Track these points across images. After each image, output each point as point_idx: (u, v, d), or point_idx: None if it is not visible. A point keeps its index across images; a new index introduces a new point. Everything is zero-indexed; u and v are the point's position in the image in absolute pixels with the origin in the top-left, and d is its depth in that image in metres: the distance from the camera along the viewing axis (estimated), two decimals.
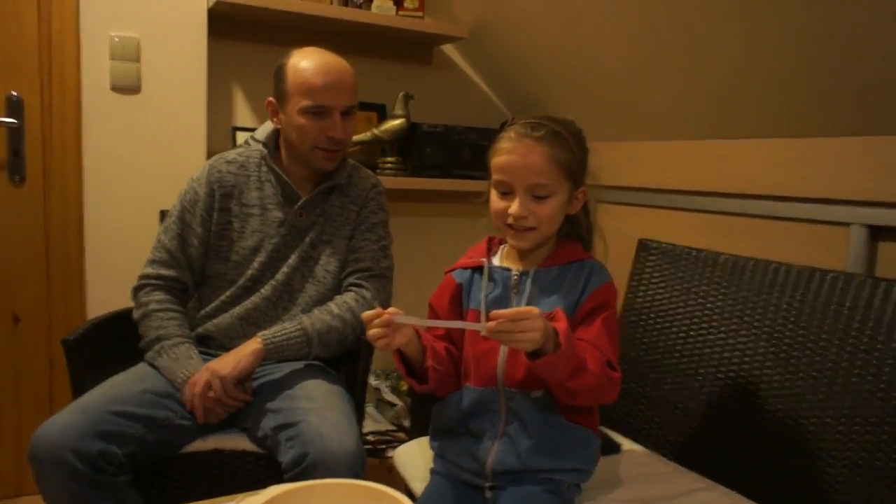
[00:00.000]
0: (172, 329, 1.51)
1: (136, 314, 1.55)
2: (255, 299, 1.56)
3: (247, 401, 1.44)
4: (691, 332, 1.47)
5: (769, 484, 1.26)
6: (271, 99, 1.59)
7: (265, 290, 1.57)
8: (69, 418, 1.27)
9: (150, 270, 1.58)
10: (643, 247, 1.63)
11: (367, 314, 1.04)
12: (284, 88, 1.54)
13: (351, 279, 1.60)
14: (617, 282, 1.63)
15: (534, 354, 1.00)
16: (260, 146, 1.64)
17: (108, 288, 2.06)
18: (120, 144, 2.06)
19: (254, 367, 1.44)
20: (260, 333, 1.48)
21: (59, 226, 2.05)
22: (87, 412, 1.29)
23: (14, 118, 1.97)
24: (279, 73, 1.55)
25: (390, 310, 1.04)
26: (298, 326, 1.49)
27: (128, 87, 2.06)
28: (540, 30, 2.16)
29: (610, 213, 2.26)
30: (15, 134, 1.98)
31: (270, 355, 1.46)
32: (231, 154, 1.65)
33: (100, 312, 1.68)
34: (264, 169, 1.61)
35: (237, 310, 1.57)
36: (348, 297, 1.57)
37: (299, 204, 1.57)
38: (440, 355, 1.17)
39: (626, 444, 1.47)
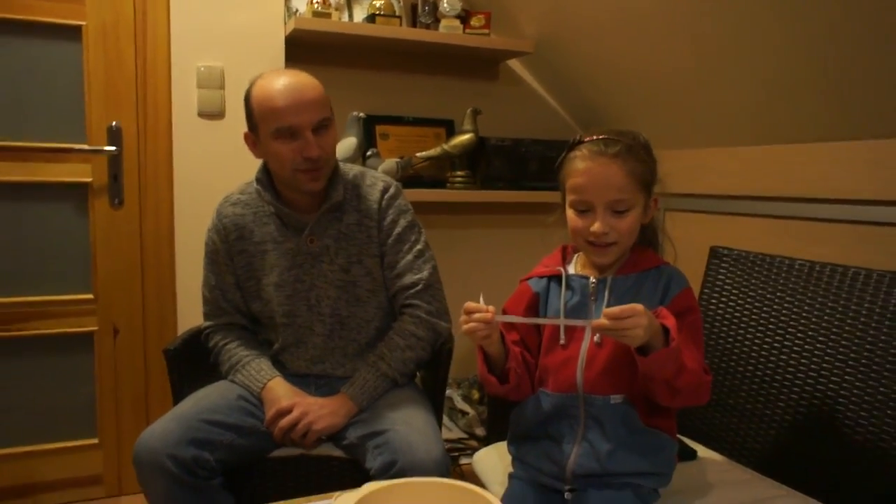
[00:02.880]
0: (240, 353, 1.58)
1: (211, 359, 1.64)
2: (315, 340, 1.58)
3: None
4: (766, 339, 1.46)
5: (848, 492, 1.25)
6: (246, 132, 1.56)
7: (318, 328, 1.58)
8: (166, 426, 1.37)
9: (206, 323, 1.66)
10: (715, 254, 1.63)
11: (469, 305, 1.10)
12: (253, 118, 1.51)
13: (401, 300, 1.59)
14: None
15: (641, 351, 1.03)
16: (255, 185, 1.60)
17: (197, 301, 2.17)
18: (206, 167, 2.19)
19: (341, 426, 1.47)
20: (345, 391, 1.49)
21: (153, 244, 2.20)
22: (182, 421, 1.39)
23: (114, 146, 2.13)
24: (246, 104, 1.53)
25: (490, 307, 1.09)
26: (379, 373, 1.51)
27: (213, 113, 2.19)
28: (604, 40, 2.18)
29: (680, 221, 2.26)
30: (115, 160, 2.14)
31: (363, 409, 1.49)
32: (235, 195, 1.64)
33: (189, 324, 1.80)
34: (264, 203, 1.59)
35: (301, 352, 1.59)
36: (407, 324, 1.57)
37: (307, 230, 1.55)
38: (518, 360, 1.21)
39: (702, 450, 1.47)
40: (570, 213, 1.20)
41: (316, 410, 1.45)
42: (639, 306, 1.01)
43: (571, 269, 1.27)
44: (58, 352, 2.16)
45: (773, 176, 1.86)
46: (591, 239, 1.17)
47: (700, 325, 1.19)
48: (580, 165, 1.16)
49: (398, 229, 1.59)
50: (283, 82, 1.47)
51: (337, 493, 0.89)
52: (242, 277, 1.61)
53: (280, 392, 1.49)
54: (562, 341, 1.21)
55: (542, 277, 1.28)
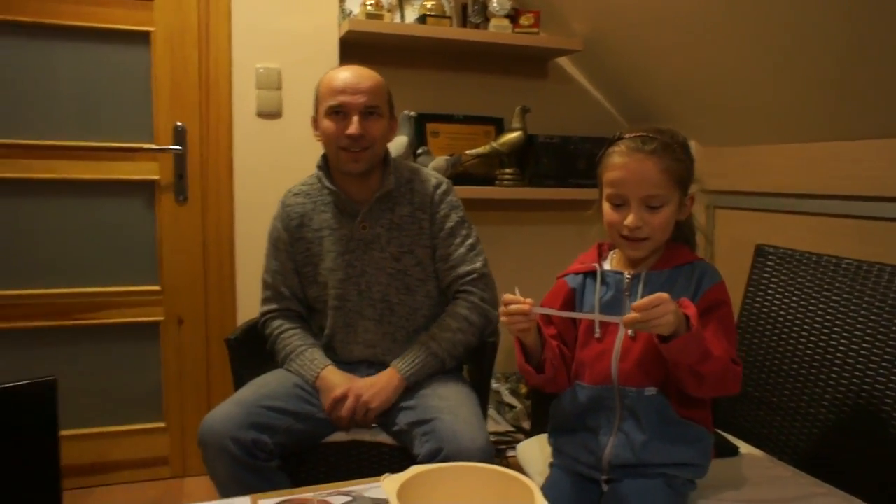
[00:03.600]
0: (295, 342, 1.66)
1: (268, 346, 1.73)
2: (365, 324, 1.66)
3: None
4: (812, 338, 1.46)
5: (892, 492, 1.25)
6: (313, 115, 1.69)
7: (368, 313, 1.65)
8: (229, 410, 1.47)
9: (263, 308, 1.75)
10: (760, 252, 1.63)
11: (507, 297, 1.15)
12: (316, 98, 1.65)
13: (455, 287, 1.67)
14: (734, 287, 1.65)
15: (664, 339, 1.07)
16: (317, 172, 1.72)
17: (256, 293, 2.28)
18: (264, 164, 2.29)
19: (394, 401, 1.56)
20: (395, 365, 1.58)
21: (215, 239, 2.31)
22: (244, 406, 1.48)
23: (179, 145, 2.25)
24: (316, 89, 1.66)
25: (528, 300, 1.14)
26: (429, 352, 1.59)
27: (271, 113, 2.29)
28: (653, 38, 2.19)
29: (728, 219, 2.25)
30: (179, 159, 2.26)
31: (410, 384, 1.57)
32: (297, 186, 1.76)
33: (249, 315, 1.90)
34: (325, 192, 1.69)
35: (351, 337, 1.67)
36: (460, 308, 1.64)
37: (360, 217, 1.64)
38: (555, 352, 1.25)
39: (745, 447, 1.48)
40: (606, 206, 1.24)
41: (368, 390, 1.54)
42: (664, 295, 1.04)
43: (607, 266, 1.31)
44: (127, 340, 2.30)
45: (822, 173, 1.84)
46: (624, 233, 1.20)
47: (731, 318, 1.21)
48: (617, 160, 1.20)
49: (450, 223, 1.67)
50: (347, 68, 1.64)
51: (384, 476, 0.94)
52: (301, 263, 1.70)
53: (333, 380, 1.57)
54: (597, 334, 1.25)
55: (578, 274, 1.32)
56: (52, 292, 2.21)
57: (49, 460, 1.47)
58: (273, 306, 1.73)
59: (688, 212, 1.26)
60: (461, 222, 1.69)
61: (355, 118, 1.57)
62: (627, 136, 1.22)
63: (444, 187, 1.70)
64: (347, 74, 1.61)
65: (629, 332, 1.22)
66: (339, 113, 1.59)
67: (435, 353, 1.60)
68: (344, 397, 1.53)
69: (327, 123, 1.60)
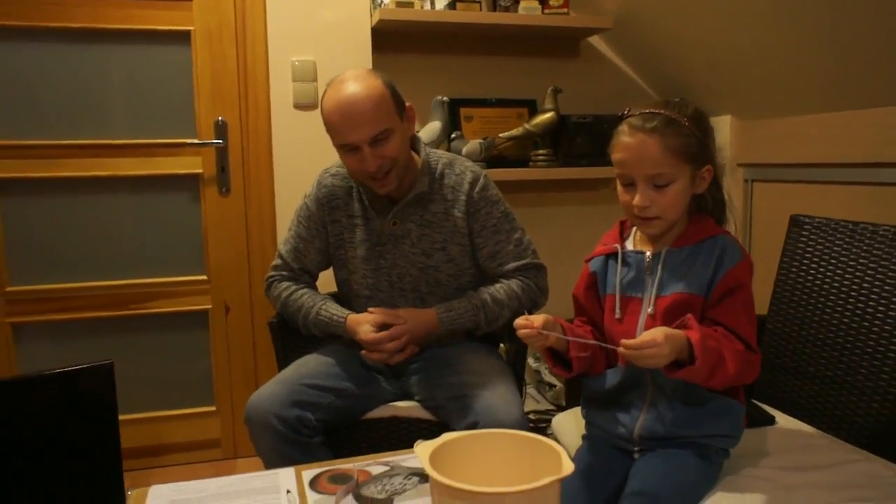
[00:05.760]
0: (305, 301, 1.68)
1: (275, 307, 1.76)
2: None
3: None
4: (848, 307, 1.45)
5: None
6: None
7: (400, 303, 1.66)
8: (272, 389, 1.53)
9: (271, 273, 1.77)
10: (795, 222, 1.62)
11: (518, 322, 1.18)
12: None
13: (510, 275, 1.67)
14: (772, 259, 1.64)
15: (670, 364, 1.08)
16: None
17: None
18: (302, 154, 2.35)
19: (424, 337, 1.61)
20: (437, 308, 1.62)
21: (257, 229, 2.39)
22: (286, 384, 1.54)
23: (221, 139, 2.33)
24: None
25: (538, 321, 1.16)
26: (470, 307, 1.61)
27: (307, 104, 2.35)
28: (684, 12, 2.17)
29: (766, 192, 2.23)
30: (221, 152, 2.34)
31: (441, 329, 1.61)
32: (334, 167, 1.72)
33: None
34: (357, 183, 1.67)
35: (384, 327, 1.60)
36: (514, 285, 1.65)
37: (391, 215, 1.63)
38: (581, 346, 1.24)
39: (781, 417, 1.48)
40: (618, 186, 1.23)
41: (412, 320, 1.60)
42: (659, 335, 1.05)
43: (629, 245, 1.30)
44: (178, 328, 2.40)
45: (857, 141, 1.81)
46: (635, 212, 1.20)
47: (751, 302, 1.19)
48: (622, 140, 1.19)
49: (493, 221, 1.66)
50: (339, 98, 1.51)
51: (418, 442, 0.99)
52: (333, 245, 1.72)
53: (362, 317, 1.61)
54: (617, 315, 1.26)
55: (600, 256, 1.32)
56: (108, 284, 2.32)
57: (110, 439, 1.56)
58: (280, 272, 1.76)
59: (705, 185, 1.22)
60: (504, 217, 1.67)
61: (367, 152, 1.51)
62: (632, 114, 1.20)
63: (480, 183, 1.65)
64: (342, 106, 1.50)
65: (649, 309, 1.22)
66: (349, 149, 1.54)
67: (476, 311, 1.61)
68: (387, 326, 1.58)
69: (344, 157, 1.58)
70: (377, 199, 1.65)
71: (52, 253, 2.29)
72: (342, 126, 1.51)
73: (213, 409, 2.44)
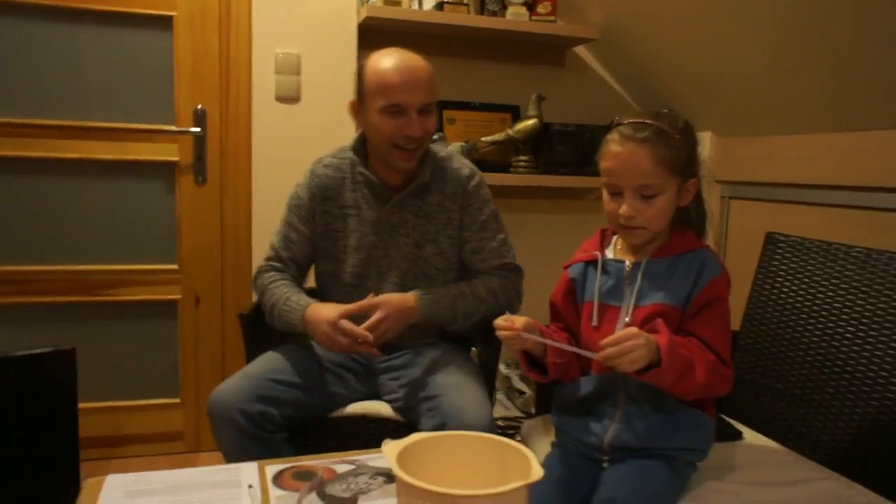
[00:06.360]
0: (280, 292, 1.60)
1: (256, 297, 1.70)
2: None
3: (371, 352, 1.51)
4: (819, 325, 1.46)
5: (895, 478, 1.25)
6: (352, 100, 1.63)
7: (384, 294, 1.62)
8: (237, 383, 1.50)
9: (262, 263, 1.72)
10: (770, 240, 1.63)
11: (498, 322, 1.18)
12: (363, 89, 1.57)
13: (490, 268, 1.66)
14: (746, 277, 1.65)
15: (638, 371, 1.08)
16: (349, 149, 1.69)
17: None
18: (282, 148, 2.33)
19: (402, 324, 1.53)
20: (416, 293, 1.56)
21: (232, 220, 2.36)
22: (251, 379, 1.51)
23: (199, 128, 2.29)
24: (359, 74, 1.58)
25: (519, 322, 1.16)
26: (450, 299, 1.58)
27: (290, 97, 2.32)
28: (670, 28, 2.18)
29: (743, 209, 2.25)
30: (199, 141, 2.30)
31: (419, 319, 1.55)
32: (328, 158, 1.71)
33: None
34: (356, 171, 1.66)
35: (364, 317, 1.52)
36: (494, 283, 1.64)
37: (389, 203, 1.62)
38: (558, 351, 1.23)
39: (749, 433, 1.49)
40: (604, 194, 1.23)
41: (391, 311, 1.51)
42: (634, 329, 1.07)
43: (609, 253, 1.30)
44: (145, 317, 2.36)
45: (835, 164, 1.83)
46: (620, 221, 1.20)
47: (727, 316, 1.20)
48: (611, 149, 1.19)
49: (483, 217, 1.66)
50: (399, 60, 1.54)
51: (386, 441, 0.97)
52: (320, 235, 1.69)
53: (323, 310, 1.52)
54: (594, 323, 1.26)
55: (580, 263, 1.32)
56: (74, 269, 2.27)
57: (68, 426, 1.52)
58: (269, 262, 1.71)
59: (690, 197, 1.23)
60: (493, 216, 1.68)
61: (414, 116, 1.52)
62: (623, 122, 1.20)
63: (476, 179, 1.68)
64: (402, 67, 1.53)
65: (627, 318, 1.22)
66: (395, 112, 1.53)
67: (454, 299, 1.58)
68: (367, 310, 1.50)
69: (380, 120, 1.54)
70: (376, 187, 1.64)
71: (14, 234, 2.23)
72: (400, 85, 1.51)
73: (178, 401, 2.40)
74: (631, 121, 1.19)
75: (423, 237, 1.64)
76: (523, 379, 2.57)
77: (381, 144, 1.57)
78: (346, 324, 1.47)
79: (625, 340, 1.05)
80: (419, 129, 1.53)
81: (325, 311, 1.50)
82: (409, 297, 1.56)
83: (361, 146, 1.67)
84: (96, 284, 2.28)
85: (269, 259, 1.72)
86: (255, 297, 1.74)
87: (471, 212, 1.66)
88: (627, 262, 1.25)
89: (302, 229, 1.69)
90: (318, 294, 1.73)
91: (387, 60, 1.54)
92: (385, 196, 1.64)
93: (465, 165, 1.70)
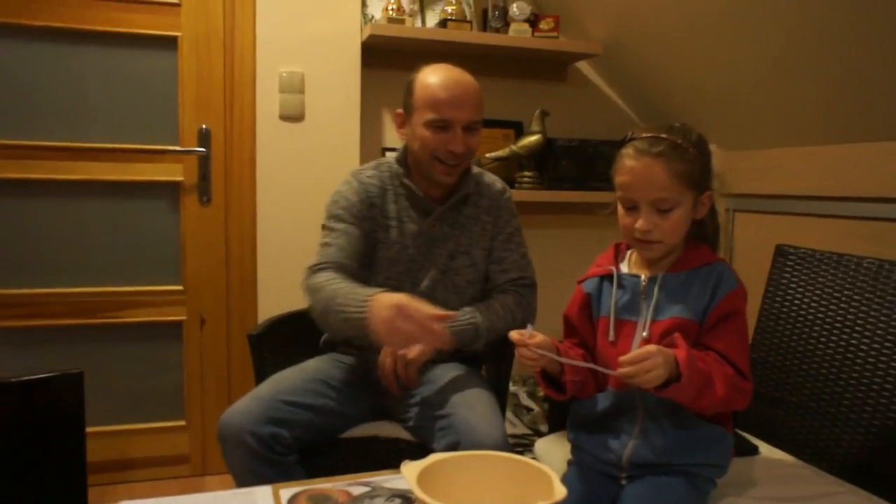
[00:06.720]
0: (340, 287, 1.48)
1: (309, 297, 1.55)
2: None
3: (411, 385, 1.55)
4: (832, 338, 1.46)
5: None
6: (399, 111, 1.65)
7: None
8: (247, 406, 1.48)
9: (315, 263, 1.58)
10: (781, 252, 1.63)
11: (514, 337, 1.17)
12: (411, 101, 1.59)
13: (507, 286, 1.67)
14: (753, 290, 1.64)
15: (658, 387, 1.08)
16: (391, 162, 1.69)
17: (277, 293, 2.33)
18: (286, 167, 2.33)
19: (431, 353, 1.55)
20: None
21: (237, 240, 2.35)
22: (262, 401, 1.49)
23: (204, 147, 2.29)
24: (408, 87, 1.61)
25: (536, 340, 1.16)
26: (474, 320, 1.56)
27: (294, 116, 2.33)
28: (672, 43, 2.19)
29: (748, 222, 2.25)
30: (204, 161, 2.30)
31: (451, 343, 1.52)
32: (367, 170, 1.69)
33: (269, 315, 1.90)
34: (397, 183, 1.66)
35: None
36: (510, 300, 1.64)
37: (432, 216, 1.64)
38: (575, 368, 1.23)
39: (764, 447, 1.47)
40: (619, 208, 1.23)
41: (402, 357, 1.53)
42: (652, 347, 1.06)
43: (624, 268, 1.30)
44: (150, 339, 2.34)
45: (842, 175, 1.84)
46: (636, 235, 1.20)
47: (745, 329, 1.20)
48: (627, 163, 1.19)
49: (510, 229, 1.70)
50: (448, 76, 1.57)
51: (405, 462, 0.96)
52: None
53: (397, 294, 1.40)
54: (611, 338, 1.25)
55: (595, 277, 1.31)
56: (78, 290, 2.25)
57: (76, 452, 1.50)
58: (329, 260, 1.57)
59: (705, 211, 1.24)
60: (518, 230, 1.72)
61: (459, 133, 1.55)
62: (637, 136, 1.21)
63: (508, 193, 1.74)
64: (451, 83, 1.55)
65: (644, 333, 1.21)
66: (441, 126, 1.55)
67: (477, 326, 1.56)
68: (385, 360, 1.54)
69: (425, 134, 1.56)
70: (418, 199, 1.64)
71: (18, 257, 2.22)
72: (449, 101, 1.54)
73: (183, 423, 2.37)
74: (645, 135, 1.19)
75: (457, 248, 1.66)
76: (531, 396, 2.55)
77: (424, 157, 1.59)
78: (416, 305, 1.32)
79: (643, 359, 1.05)
80: (462, 145, 1.56)
81: (394, 295, 1.38)
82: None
83: (405, 159, 1.68)
84: (100, 307, 2.27)
85: (323, 255, 1.60)
86: (307, 299, 1.58)
87: (500, 224, 1.69)
88: (643, 277, 1.25)
89: (355, 230, 1.61)
90: None
91: (436, 75, 1.57)
92: (426, 208, 1.65)
93: (496, 180, 1.75)
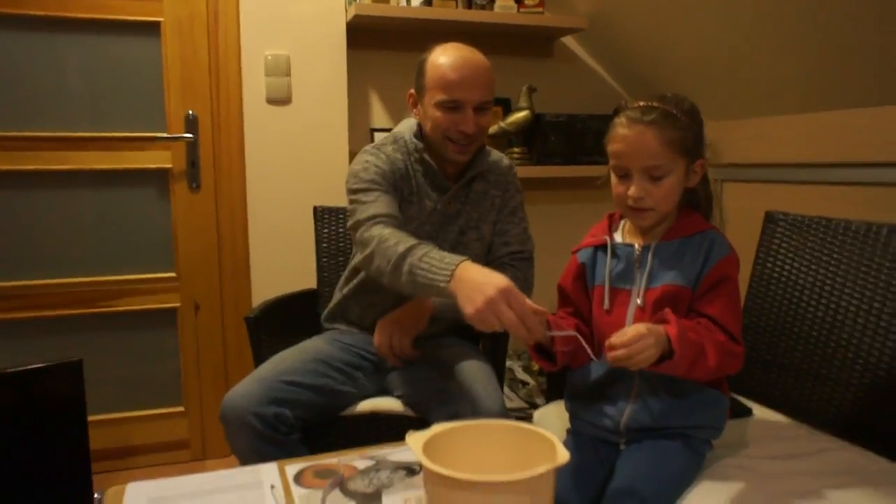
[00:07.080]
0: (413, 245, 1.38)
1: (366, 250, 1.46)
2: None
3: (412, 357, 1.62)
4: (822, 300, 1.48)
5: None
6: (412, 91, 1.66)
7: None
8: (249, 387, 1.49)
9: (368, 213, 1.49)
10: (770, 219, 1.65)
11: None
12: (423, 82, 1.60)
13: (505, 260, 1.69)
14: (746, 258, 1.66)
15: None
16: (405, 139, 1.66)
17: (270, 276, 2.33)
18: (275, 150, 2.32)
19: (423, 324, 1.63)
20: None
21: (228, 225, 2.34)
22: (264, 382, 1.50)
23: (191, 133, 2.28)
24: (420, 68, 1.61)
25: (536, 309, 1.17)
26: None
27: (280, 99, 2.32)
28: (656, 15, 2.20)
29: (737, 191, 2.27)
30: (192, 147, 2.29)
31: (435, 310, 1.62)
32: (388, 146, 1.66)
33: (263, 298, 1.92)
34: (413, 160, 1.66)
35: (394, 294, 1.54)
36: (507, 274, 1.62)
37: (448, 194, 1.65)
38: (566, 339, 1.23)
39: (758, 409, 1.50)
40: (612, 177, 1.25)
41: (395, 330, 1.61)
42: (642, 328, 1.07)
43: (618, 237, 1.31)
44: (146, 326, 2.34)
45: (828, 142, 1.86)
46: (629, 203, 1.21)
47: (737, 294, 1.21)
48: (619, 132, 1.20)
49: (514, 203, 1.73)
50: (459, 56, 1.57)
51: (409, 433, 0.97)
52: None
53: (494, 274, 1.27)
54: (606, 306, 1.26)
55: (589, 247, 1.33)
56: (72, 281, 2.25)
57: (78, 439, 1.51)
58: (379, 213, 1.50)
59: (697, 179, 1.25)
60: (521, 205, 1.75)
61: (470, 113, 1.55)
62: (629, 106, 1.22)
63: (514, 169, 1.77)
64: (462, 64, 1.55)
65: (639, 300, 1.23)
66: (452, 107, 1.55)
67: None
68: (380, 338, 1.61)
69: (437, 114, 1.56)
70: (436, 175, 1.64)
71: (11, 249, 2.21)
72: (460, 82, 1.54)
73: (182, 409, 2.38)
74: (637, 104, 1.20)
75: (467, 224, 1.68)
76: (526, 370, 2.58)
77: (436, 137, 1.60)
78: (521, 294, 1.20)
79: (633, 342, 1.06)
80: (473, 125, 1.56)
81: (495, 275, 1.23)
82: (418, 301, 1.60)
83: (421, 136, 1.66)
84: (94, 296, 2.27)
85: (372, 207, 1.52)
86: (360, 252, 1.50)
87: (506, 198, 1.72)
88: (637, 246, 1.26)
89: (390, 198, 1.55)
90: (347, 279, 1.74)
91: (447, 56, 1.57)
92: (442, 186, 1.66)
93: (502, 156, 1.77)
